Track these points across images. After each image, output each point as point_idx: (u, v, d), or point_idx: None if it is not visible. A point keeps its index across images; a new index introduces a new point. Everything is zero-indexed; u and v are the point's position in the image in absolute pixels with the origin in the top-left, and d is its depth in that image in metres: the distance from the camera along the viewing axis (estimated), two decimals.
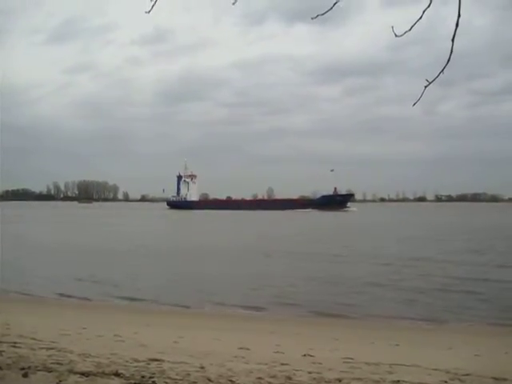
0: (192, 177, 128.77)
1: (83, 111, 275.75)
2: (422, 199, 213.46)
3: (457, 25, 2.86)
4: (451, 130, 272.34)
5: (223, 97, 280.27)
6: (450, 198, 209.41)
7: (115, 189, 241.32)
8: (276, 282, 15.48)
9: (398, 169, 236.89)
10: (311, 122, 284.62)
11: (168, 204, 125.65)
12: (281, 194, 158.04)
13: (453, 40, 2.87)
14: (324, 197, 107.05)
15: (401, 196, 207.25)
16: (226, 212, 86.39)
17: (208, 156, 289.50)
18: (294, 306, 11.96)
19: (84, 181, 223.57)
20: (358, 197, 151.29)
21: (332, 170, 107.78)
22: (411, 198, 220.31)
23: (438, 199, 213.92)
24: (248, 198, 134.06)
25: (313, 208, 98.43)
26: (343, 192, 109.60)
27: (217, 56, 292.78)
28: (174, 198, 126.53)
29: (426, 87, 2.99)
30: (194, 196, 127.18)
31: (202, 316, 10.90)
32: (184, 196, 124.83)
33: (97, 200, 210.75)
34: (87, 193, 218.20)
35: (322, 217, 69.11)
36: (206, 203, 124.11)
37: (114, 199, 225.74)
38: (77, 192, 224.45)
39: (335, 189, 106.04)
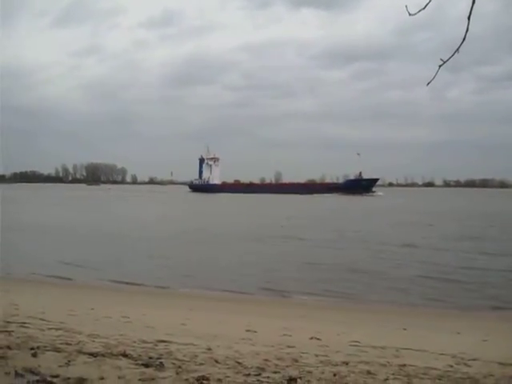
0: (215, 159, 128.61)
1: (91, 94, 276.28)
2: (430, 184, 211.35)
3: (473, 1, 2.80)
4: (459, 116, 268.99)
5: (231, 80, 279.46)
6: (458, 184, 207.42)
7: (123, 171, 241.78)
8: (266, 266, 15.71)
9: (405, 153, 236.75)
10: (318, 105, 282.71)
11: (190, 187, 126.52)
12: (289, 178, 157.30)
13: (469, 18, 2.81)
14: (349, 181, 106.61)
15: (409, 181, 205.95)
16: (249, 196, 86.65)
17: (215, 139, 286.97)
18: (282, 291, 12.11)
19: (92, 163, 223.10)
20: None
21: (358, 154, 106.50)
22: (420, 183, 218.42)
23: (447, 184, 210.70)
24: (258, 181, 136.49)
25: (338, 192, 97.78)
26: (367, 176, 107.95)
27: (224, 39, 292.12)
28: (197, 182, 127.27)
29: (440, 66, 2.96)
30: (216, 179, 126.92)
31: (210, 299, 10.97)
32: (207, 179, 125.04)
33: (105, 182, 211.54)
34: (95, 175, 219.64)
35: (348, 201, 69.45)
36: (229, 186, 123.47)
37: (123, 182, 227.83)
38: (85, 174, 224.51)
39: (360, 173, 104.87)
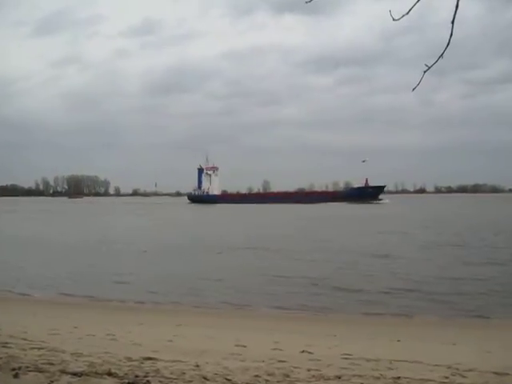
0: (214, 169, 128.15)
1: (71, 104, 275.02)
2: (421, 191, 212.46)
3: (457, 6, 2.88)
4: (448, 120, 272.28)
5: (214, 88, 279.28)
6: (449, 190, 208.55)
7: (106, 183, 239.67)
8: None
9: (395, 160, 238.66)
10: (304, 112, 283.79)
11: (189, 198, 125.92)
12: (277, 187, 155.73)
13: (452, 22, 2.88)
14: (355, 189, 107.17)
15: (400, 187, 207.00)
16: (251, 206, 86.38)
17: (199, 148, 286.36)
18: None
19: (74, 175, 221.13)
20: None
21: (364, 161, 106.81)
22: (411, 189, 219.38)
23: (438, 190, 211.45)
24: (245, 190, 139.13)
25: (343, 201, 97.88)
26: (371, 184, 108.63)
27: (206, 47, 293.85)
28: (196, 192, 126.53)
29: (425, 72, 3.03)
30: (215, 189, 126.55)
31: (197, 314, 10.90)
32: (206, 190, 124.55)
33: (87, 195, 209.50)
34: (77, 188, 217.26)
35: (353, 210, 69.70)
36: (229, 197, 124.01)
37: (106, 194, 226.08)
38: (66, 187, 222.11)
39: (366, 180, 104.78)
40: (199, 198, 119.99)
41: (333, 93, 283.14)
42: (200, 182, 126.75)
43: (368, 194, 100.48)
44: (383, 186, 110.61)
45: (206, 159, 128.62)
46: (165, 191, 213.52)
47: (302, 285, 14.17)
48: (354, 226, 37.56)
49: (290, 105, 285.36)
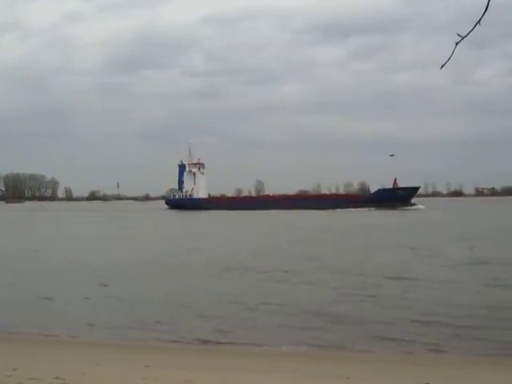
0: (199, 165, 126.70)
1: (9, 82, 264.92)
2: (457, 193, 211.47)
3: None
4: (490, 104, 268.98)
5: (192, 63, 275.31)
6: (493, 192, 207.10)
7: (54, 184, 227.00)
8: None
9: (423, 155, 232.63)
10: (308, 94, 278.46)
11: (168, 203, 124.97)
12: (273, 188, 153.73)
13: None
14: (381, 191, 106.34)
15: (430, 189, 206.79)
16: (247, 214, 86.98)
17: (176, 139, 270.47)
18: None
19: (12, 174, 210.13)
20: (374, 189, 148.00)
21: (392, 155, 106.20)
22: (444, 191, 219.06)
23: (479, 193, 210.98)
24: (233, 193, 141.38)
25: (367, 206, 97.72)
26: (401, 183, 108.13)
27: (183, 9, 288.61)
28: (176, 195, 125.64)
29: (457, 43, 3.05)
30: (202, 192, 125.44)
31: (170, 351, 11.10)
32: (189, 192, 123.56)
33: (30, 199, 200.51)
34: (17, 190, 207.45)
35: (378, 218, 69.63)
36: (219, 201, 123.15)
37: (54, 198, 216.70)
38: (3, 189, 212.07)
39: (395, 180, 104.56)
40: (180, 203, 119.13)
41: (345, 69, 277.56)
42: (181, 181, 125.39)
43: (398, 197, 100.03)
44: (417, 188, 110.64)
45: (189, 153, 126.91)
46: (130, 194, 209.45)
47: (300, 315, 14.27)
48: (377, 238, 37.92)
49: (291, 85, 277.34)
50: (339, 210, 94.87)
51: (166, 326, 13.48)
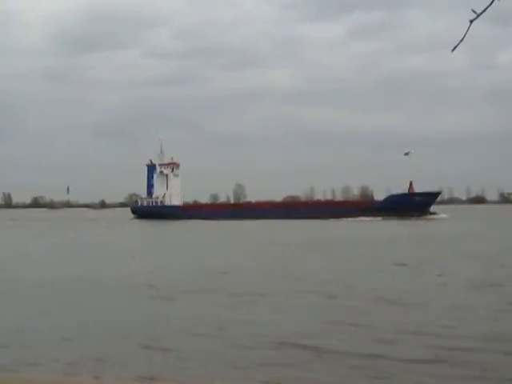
0: (173, 166, 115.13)
1: None
2: (479, 200, 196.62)
3: None
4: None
5: (158, 42, 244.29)
6: None
7: None
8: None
9: (436, 154, 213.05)
10: (299, 81, 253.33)
11: (134, 211, 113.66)
12: (255, 194, 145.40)
13: None
14: (394, 197, 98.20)
15: (446, 195, 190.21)
16: (232, 224, 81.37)
17: (137, 135, 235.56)
18: None
19: None
20: (377, 195, 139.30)
21: (407, 154, 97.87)
22: (463, 197, 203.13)
23: (505, 199, 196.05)
24: (207, 200, 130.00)
25: (376, 215, 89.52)
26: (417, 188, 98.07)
27: None
28: (145, 202, 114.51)
29: (472, 21, 2.90)
30: (176, 198, 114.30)
31: None
32: (161, 198, 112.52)
33: None
34: None
35: (390, 229, 64.06)
36: (198, 210, 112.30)
37: None
38: None
39: (411, 184, 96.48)
40: (150, 211, 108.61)
41: (342, 50, 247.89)
42: (150, 185, 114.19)
43: (414, 204, 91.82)
44: (437, 193, 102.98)
45: (160, 150, 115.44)
46: (83, 200, 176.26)
47: (277, 348, 12.82)
48: (388, 255, 34.19)
49: (278, 69, 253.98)
50: (344, 219, 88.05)
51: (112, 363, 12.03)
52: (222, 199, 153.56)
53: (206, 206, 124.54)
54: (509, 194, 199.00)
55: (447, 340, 13.13)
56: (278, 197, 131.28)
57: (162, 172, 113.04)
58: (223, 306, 18.32)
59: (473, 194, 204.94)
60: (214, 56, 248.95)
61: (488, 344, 12.66)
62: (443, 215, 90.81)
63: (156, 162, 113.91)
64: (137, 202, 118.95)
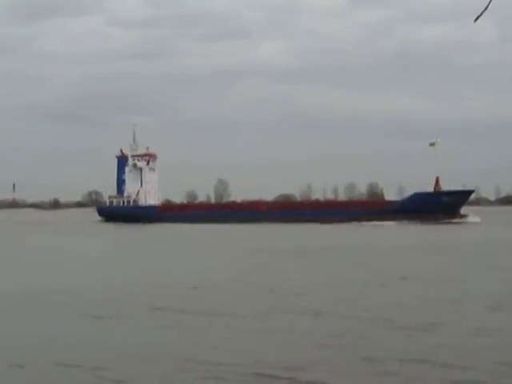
0: (149, 158, 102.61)
1: None
2: (510, 200, 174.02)
3: None
4: None
5: (125, 8, 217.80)
6: None
7: None
8: None
9: (459, 145, 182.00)
10: (292, 55, 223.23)
11: (101, 213, 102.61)
12: (241, 192, 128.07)
13: None
14: (418, 197, 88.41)
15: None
16: (227, 229, 75.29)
17: (98, 119, 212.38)
18: None
19: None
20: (388, 194, 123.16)
21: (432, 144, 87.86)
22: (491, 197, 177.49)
23: None
24: (181, 199, 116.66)
25: (396, 219, 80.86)
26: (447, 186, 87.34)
27: None
28: (114, 202, 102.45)
29: None
30: (153, 196, 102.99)
31: None
32: (133, 196, 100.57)
33: None
34: None
35: (422, 236, 57.31)
36: (178, 210, 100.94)
37: None
38: None
39: (437, 181, 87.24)
40: (121, 213, 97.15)
41: (344, 19, 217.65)
42: (121, 181, 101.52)
43: (442, 205, 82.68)
44: (469, 192, 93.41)
45: (133, 139, 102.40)
46: (31, 199, 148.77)
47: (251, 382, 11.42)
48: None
49: (268, 42, 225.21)
50: (356, 223, 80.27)
51: None
52: (201, 198, 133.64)
53: (188, 206, 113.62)
54: None
55: (458, 373, 11.55)
56: (268, 195, 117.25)
57: (135, 165, 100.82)
58: (187, 328, 16.43)
59: (503, 194, 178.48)
60: (190, 25, 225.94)
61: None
62: (476, 218, 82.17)
63: (128, 152, 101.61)
64: (100, 201, 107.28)
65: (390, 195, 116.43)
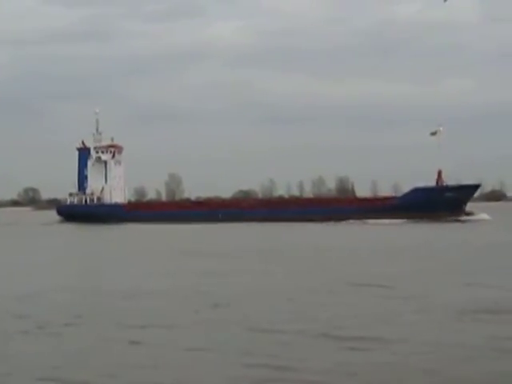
0: (114, 149, 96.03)
1: None
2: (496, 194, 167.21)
3: None
4: None
5: None
6: None
7: None
8: None
9: (460, 133, 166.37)
10: (253, 36, 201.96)
11: (61, 212, 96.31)
12: (196, 188, 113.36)
13: None
14: (417, 192, 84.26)
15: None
16: (196, 229, 71.62)
17: (33, 106, 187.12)
18: None
19: None
20: (359, 189, 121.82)
21: (434, 134, 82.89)
22: (508, 193, 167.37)
23: None
24: (123, 198, 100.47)
25: (394, 217, 77.17)
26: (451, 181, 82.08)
27: None
28: (75, 199, 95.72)
29: None
30: (119, 193, 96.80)
31: None
32: (97, 193, 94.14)
33: None
34: None
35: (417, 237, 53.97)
36: (147, 209, 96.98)
37: None
38: None
39: (439, 174, 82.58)
40: (83, 212, 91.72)
41: None
42: (83, 176, 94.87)
43: (445, 201, 78.24)
44: (475, 186, 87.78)
45: (97, 128, 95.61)
46: None
47: None
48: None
49: (223, 20, 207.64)
50: (351, 221, 77.45)
51: None
52: (151, 196, 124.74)
53: (158, 204, 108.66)
54: None
55: None
56: (226, 192, 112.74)
57: (99, 158, 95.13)
58: (114, 341, 15.32)
59: (487, 189, 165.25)
60: (137, 3, 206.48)
61: None
62: (484, 215, 78.13)
63: (90, 144, 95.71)
64: (27, 198, 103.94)
65: (361, 191, 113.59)
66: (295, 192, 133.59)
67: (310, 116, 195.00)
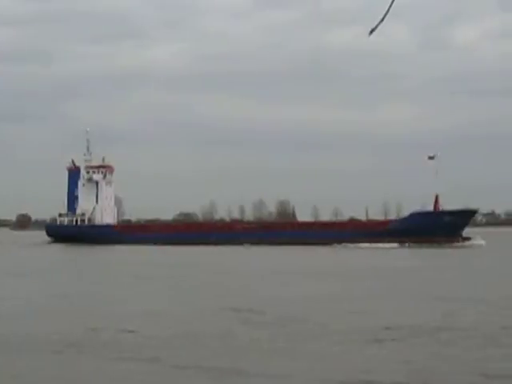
0: (105, 169, 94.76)
1: None
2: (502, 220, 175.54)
3: None
4: (480, 78, 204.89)
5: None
6: None
7: None
8: None
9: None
10: (191, 59, 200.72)
11: (50, 233, 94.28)
12: (137, 211, 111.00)
13: None
14: (415, 217, 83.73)
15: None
16: (188, 252, 70.96)
17: None
18: None
19: None
20: (300, 213, 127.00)
21: (431, 158, 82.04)
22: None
23: None
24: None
25: (388, 241, 76.45)
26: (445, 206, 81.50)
27: None
28: (65, 220, 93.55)
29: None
30: (109, 214, 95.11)
31: None
32: (88, 214, 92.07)
33: None
34: None
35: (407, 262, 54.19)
36: (139, 230, 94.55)
37: None
38: None
39: (436, 199, 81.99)
40: (74, 233, 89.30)
41: (250, 19, 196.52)
42: (74, 197, 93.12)
43: (443, 226, 77.34)
44: (473, 212, 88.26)
45: (87, 148, 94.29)
46: None
47: None
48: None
49: (162, 43, 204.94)
50: (345, 245, 77.34)
51: None
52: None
53: (150, 226, 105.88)
54: None
55: None
56: (167, 214, 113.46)
57: (90, 179, 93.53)
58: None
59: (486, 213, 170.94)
60: (74, 25, 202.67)
61: None
62: (480, 241, 77.67)
63: (81, 163, 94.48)
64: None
65: (301, 215, 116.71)
66: (236, 215, 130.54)
67: (250, 139, 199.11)
